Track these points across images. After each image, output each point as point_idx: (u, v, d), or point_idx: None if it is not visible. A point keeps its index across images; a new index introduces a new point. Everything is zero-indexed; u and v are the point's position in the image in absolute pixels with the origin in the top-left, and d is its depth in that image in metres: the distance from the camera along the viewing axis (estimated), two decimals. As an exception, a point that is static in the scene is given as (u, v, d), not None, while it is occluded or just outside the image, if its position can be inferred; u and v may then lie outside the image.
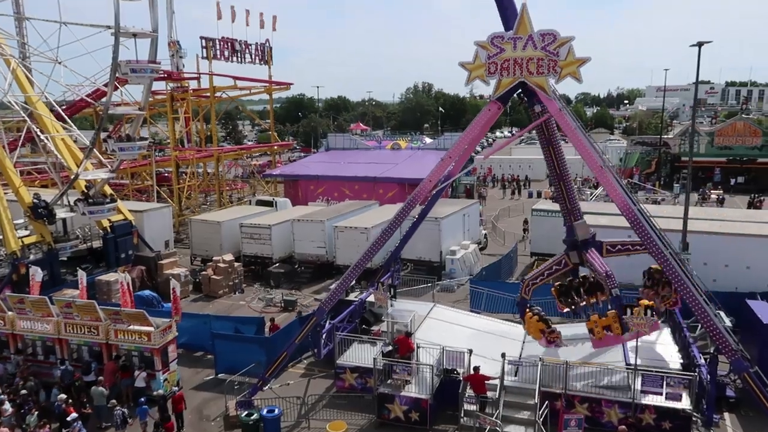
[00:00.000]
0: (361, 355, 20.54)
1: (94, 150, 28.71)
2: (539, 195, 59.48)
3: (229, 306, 30.26)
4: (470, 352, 19.07)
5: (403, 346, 18.95)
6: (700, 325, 20.30)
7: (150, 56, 27.47)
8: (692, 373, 17.00)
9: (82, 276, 22.91)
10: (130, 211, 32.72)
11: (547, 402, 17.22)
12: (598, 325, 18.54)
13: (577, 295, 20.36)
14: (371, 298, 23.56)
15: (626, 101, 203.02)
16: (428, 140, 58.31)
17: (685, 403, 16.83)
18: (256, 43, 51.00)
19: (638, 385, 17.33)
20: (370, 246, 20.33)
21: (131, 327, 20.52)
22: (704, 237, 26.84)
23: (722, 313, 18.61)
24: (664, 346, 20.38)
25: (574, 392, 17.80)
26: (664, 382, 17.03)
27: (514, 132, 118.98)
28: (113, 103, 28.62)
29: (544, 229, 34.43)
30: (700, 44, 25.29)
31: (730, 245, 26.44)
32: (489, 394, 17.80)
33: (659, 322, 19.46)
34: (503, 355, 18.79)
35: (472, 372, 17.70)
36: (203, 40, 46.40)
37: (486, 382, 17.72)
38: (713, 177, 59.47)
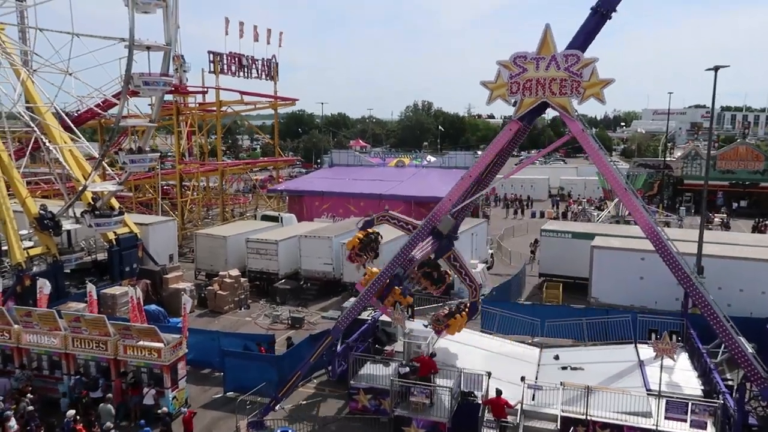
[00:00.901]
0: (376, 375, 20.13)
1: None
2: (542, 215, 59.48)
3: (235, 322, 29.79)
4: (489, 375, 18.74)
5: (425, 367, 18.53)
6: (720, 352, 20.07)
7: (162, 69, 27.25)
8: (718, 400, 16.66)
9: (91, 289, 22.43)
10: (135, 224, 32.31)
11: (572, 428, 16.82)
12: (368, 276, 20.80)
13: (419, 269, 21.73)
14: (384, 317, 23.20)
15: (623, 123, 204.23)
16: (432, 158, 58.22)
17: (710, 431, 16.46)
18: (263, 58, 51.08)
19: (662, 412, 16.96)
20: (389, 264, 19.99)
21: (141, 343, 20.09)
22: (719, 261, 26.62)
23: (743, 339, 18.35)
24: (684, 372, 20.02)
25: (595, 418, 17.38)
26: (689, 409, 16.65)
27: (519, 152, 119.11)
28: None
29: (553, 249, 34.25)
30: (716, 68, 25.35)
31: (746, 270, 26.25)
32: (509, 418, 17.42)
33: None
34: (523, 379, 18.47)
35: (494, 396, 17.30)
36: (211, 55, 46.41)
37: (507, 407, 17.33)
38: (716, 201, 59.52)
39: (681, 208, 56.94)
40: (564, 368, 21.09)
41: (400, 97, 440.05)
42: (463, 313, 20.70)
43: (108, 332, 20.27)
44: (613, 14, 17.97)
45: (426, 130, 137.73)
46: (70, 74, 28.10)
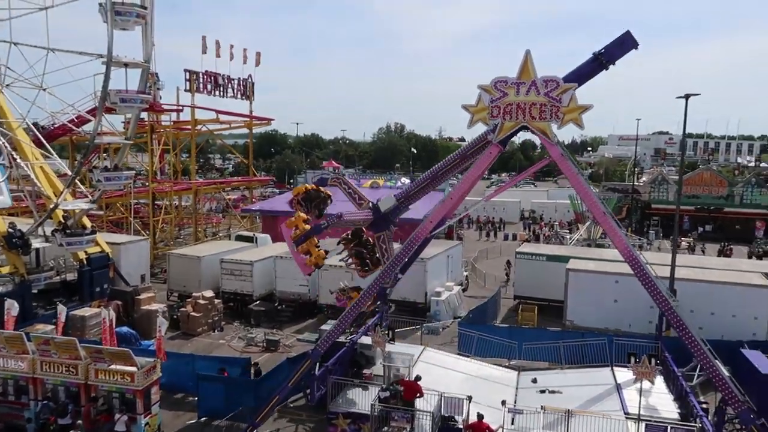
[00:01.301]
0: (355, 399, 19.86)
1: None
2: (515, 237, 60.06)
3: (209, 345, 29.18)
4: (470, 399, 18.62)
5: (409, 391, 18.32)
6: (696, 375, 20.36)
7: (140, 86, 27.00)
8: (696, 424, 16.84)
9: (61, 311, 21.77)
10: (106, 243, 31.56)
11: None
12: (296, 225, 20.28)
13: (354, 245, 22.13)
14: (363, 340, 22.99)
15: (590, 148, 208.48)
16: (406, 180, 58.44)
17: (688, 455, 16.60)
18: (239, 78, 50.95)
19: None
20: (370, 286, 19.89)
21: (113, 367, 19.49)
22: (691, 284, 27.08)
23: (718, 362, 18.65)
24: (660, 395, 20.22)
25: (576, 442, 17.39)
26: (668, 433, 16.79)
27: (490, 175, 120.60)
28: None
29: (528, 272, 34.51)
30: (687, 96, 26.11)
31: (717, 293, 26.78)
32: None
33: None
34: (503, 403, 18.41)
35: (475, 420, 17.21)
36: (187, 73, 46.09)
37: None
38: (682, 225, 60.93)
39: (650, 231, 58.07)
40: (542, 391, 21.11)
41: (373, 118, 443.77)
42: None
43: (79, 356, 19.62)
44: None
45: (398, 152, 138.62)
46: (44, 89, 27.60)
